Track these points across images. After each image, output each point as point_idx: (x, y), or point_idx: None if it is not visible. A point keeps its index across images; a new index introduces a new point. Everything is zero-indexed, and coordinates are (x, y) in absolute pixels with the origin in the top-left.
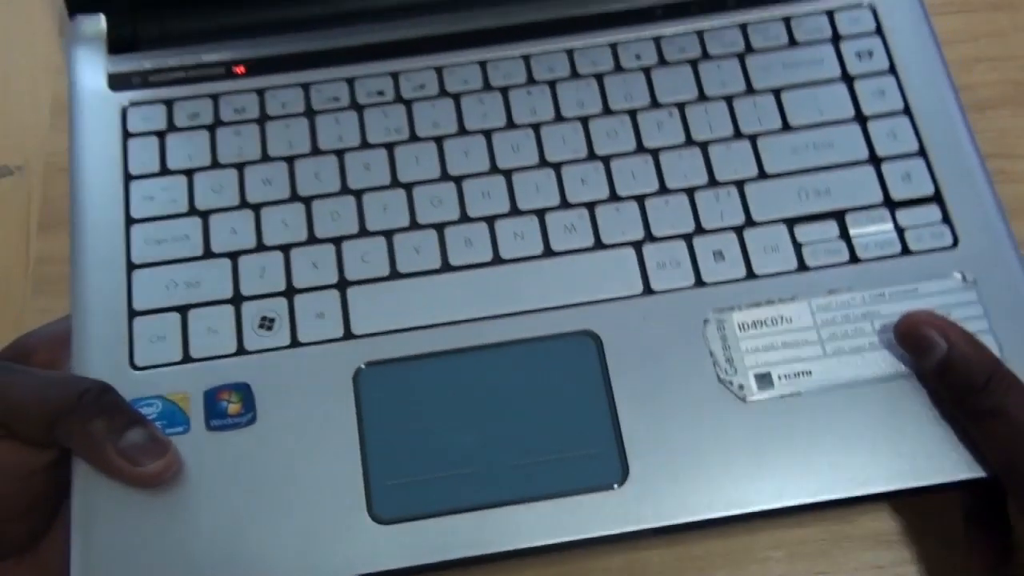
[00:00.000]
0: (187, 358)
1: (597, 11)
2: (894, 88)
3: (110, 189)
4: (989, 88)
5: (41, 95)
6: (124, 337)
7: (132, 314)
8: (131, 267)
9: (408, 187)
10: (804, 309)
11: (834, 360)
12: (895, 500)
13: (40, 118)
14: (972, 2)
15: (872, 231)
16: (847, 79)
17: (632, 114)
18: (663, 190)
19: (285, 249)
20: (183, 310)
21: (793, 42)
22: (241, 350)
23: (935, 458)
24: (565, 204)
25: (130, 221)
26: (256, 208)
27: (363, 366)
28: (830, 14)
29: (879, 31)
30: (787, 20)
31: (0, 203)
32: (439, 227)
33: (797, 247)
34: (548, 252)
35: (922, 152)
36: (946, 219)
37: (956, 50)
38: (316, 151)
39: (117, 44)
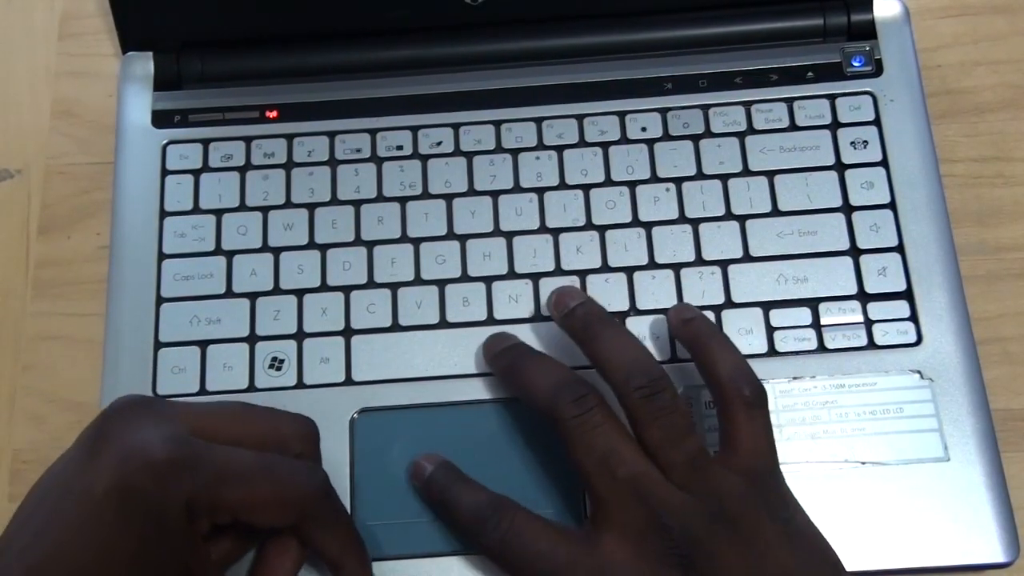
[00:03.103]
0: (203, 390)
1: (610, 79)
2: (883, 180)
3: (147, 224)
4: (988, 91)
5: (41, 99)
6: (149, 366)
7: (158, 345)
8: (160, 300)
9: (416, 242)
10: (768, 392)
11: (789, 444)
12: None
13: (40, 122)
14: (972, 6)
15: (842, 322)
16: (840, 167)
17: (632, 186)
18: (652, 264)
19: (299, 294)
20: (203, 345)
21: (793, 125)
22: (252, 387)
23: (884, 543)
24: (559, 271)
25: (162, 256)
26: (276, 252)
27: (359, 412)
28: (832, 99)
29: (877, 121)
30: (790, 102)
31: (0, 207)
32: (441, 284)
33: (770, 331)
34: (538, 316)
35: (900, 248)
36: (913, 316)
37: (956, 53)
38: (335, 200)
39: (163, 82)
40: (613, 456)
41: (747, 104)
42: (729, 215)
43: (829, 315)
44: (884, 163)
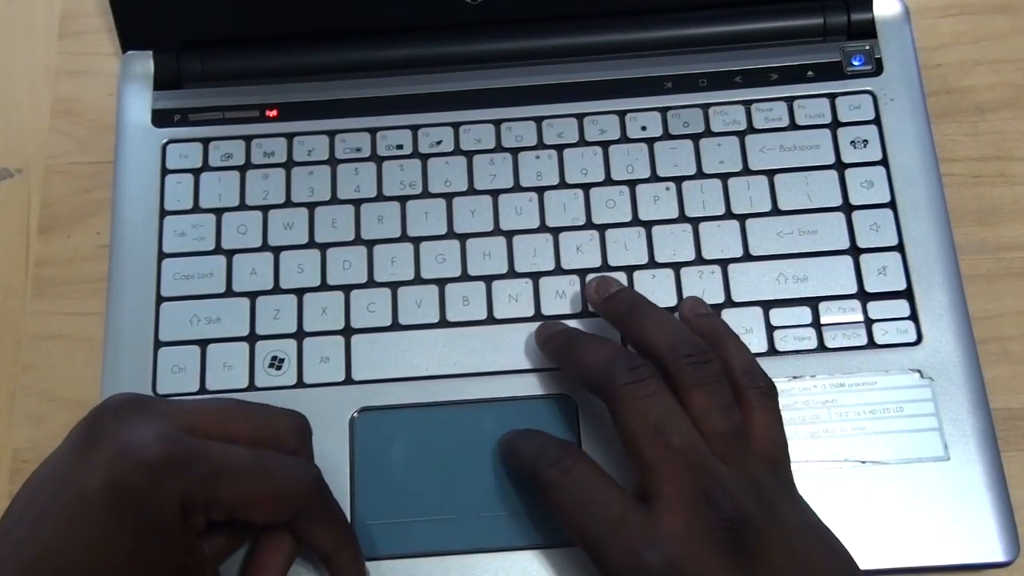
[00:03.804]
0: (203, 390)
1: (609, 78)
2: (883, 180)
3: (147, 223)
4: (989, 91)
5: (41, 98)
6: (149, 365)
7: (158, 344)
8: (160, 300)
9: (416, 241)
10: None
11: (789, 443)
12: None
13: (40, 121)
14: (972, 5)
15: (842, 321)
16: (840, 166)
17: (632, 185)
18: (652, 263)
19: (299, 293)
20: (203, 344)
21: (793, 124)
22: (252, 386)
23: (884, 542)
24: (559, 270)
25: (162, 255)
26: (276, 251)
27: (359, 411)
28: (832, 98)
29: (877, 120)
30: (790, 101)
31: (0, 206)
32: (441, 283)
33: (770, 330)
34: (538, 315)
35: (900, 247)
36: (913, 316)
37: (956, 53)
38: (335, 199)
39: (163, 81)
40: (667, 424)
41: (747, 103)
42: (729, 214)
43: (829, 314)
44: (884, 162)
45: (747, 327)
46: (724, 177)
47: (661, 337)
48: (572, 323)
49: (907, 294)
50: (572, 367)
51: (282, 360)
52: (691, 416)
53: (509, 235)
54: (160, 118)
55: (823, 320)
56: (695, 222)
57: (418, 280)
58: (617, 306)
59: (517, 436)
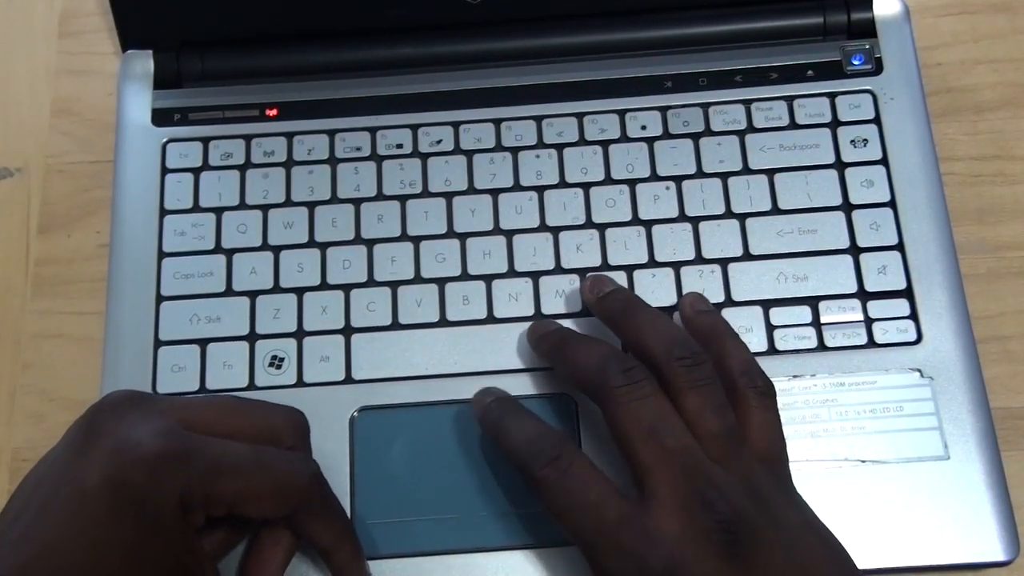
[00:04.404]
0: (203, 389)
1: (609, 77)
2: (883, 179)
3: (147, 222)
4: (989, 90)
5: (41, 97)
6: (149, 364)
7: (158, 343)
8: (160, 299)
9: (416, 240)
10: None
11: (789, 443)
12: None
13: (40, 120)
14: (973, 4)
15: (842, 320)
16: (840, 165)
17: (632, 185)
18: (652, 263)
19: (299, 292)
20: (203, 343)
21: (794, 123)
22: (252, 385)
23: (884, 541)
24: (559, 269)
25: (162, 254)
26: (276, 250)
27: (359, 410)
28: (832, 97)
29: (877, 119)
30: (790, 100)
31: (0, 205)
32: (441, 282)
33: (770, 329)
34: (538, 315)
35: (900, 246)
36: (913, 315)
37: (957, 52)
38: (335, 199)
39: (163, 80)
40: (662, 426)
41: (747, 102)
42: (729, 213)
43: (829, 313)
44: (884, 161)
45: (747, 326)
46: (724, 176)
47: (655, 338)
48: (572, 322)
49: (907, 293)
50: (565, 368)
51: (282, 359)
52: (685, 418)
53: (509, 234)
54: (160, 117)
55: (823, 319)
56: (695, 221)
57: (418, 279)
58: (611, 306)
59: (507, 418)
